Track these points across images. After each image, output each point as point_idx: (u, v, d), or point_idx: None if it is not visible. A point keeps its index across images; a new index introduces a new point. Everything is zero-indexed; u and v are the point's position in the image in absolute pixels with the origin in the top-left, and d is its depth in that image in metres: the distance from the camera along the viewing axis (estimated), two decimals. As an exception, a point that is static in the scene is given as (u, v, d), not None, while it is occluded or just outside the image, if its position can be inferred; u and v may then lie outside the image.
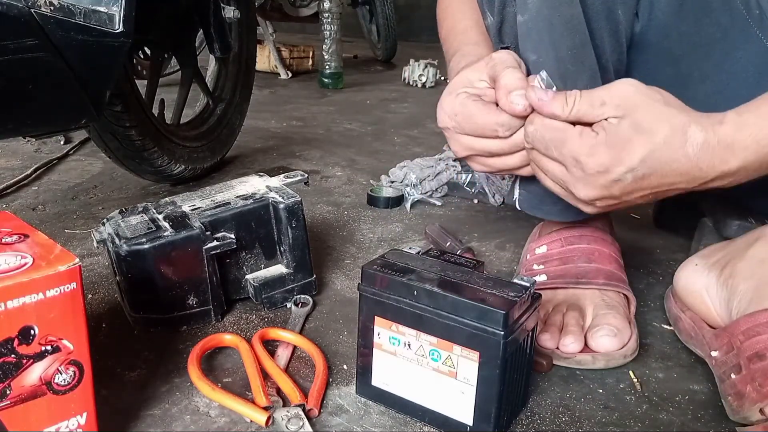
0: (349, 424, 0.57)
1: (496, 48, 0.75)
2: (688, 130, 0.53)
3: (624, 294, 0.74)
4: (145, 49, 1.29)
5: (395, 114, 2.12)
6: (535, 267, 0.78)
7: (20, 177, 1.23)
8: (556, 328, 0.68)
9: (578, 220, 0.78)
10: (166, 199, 0.79)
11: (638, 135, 0.53)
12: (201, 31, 1.19)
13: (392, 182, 1.23)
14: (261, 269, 0.77)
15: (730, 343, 0.61)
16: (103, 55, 0.75)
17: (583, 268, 0.75)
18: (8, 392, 0.44)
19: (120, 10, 0.73)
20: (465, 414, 0.54)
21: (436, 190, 1.21)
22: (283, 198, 0.74)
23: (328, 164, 1.45)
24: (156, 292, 0.69)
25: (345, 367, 0.66)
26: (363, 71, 3.27)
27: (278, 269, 0.77)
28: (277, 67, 2.88)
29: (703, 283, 0.70)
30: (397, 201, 1.16)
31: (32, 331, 0.44)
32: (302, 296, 0.77)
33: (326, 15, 2.61)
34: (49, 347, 0.45)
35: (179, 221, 0.71)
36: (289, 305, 0.76)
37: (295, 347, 0.68)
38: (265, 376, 0.62)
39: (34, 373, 0.45)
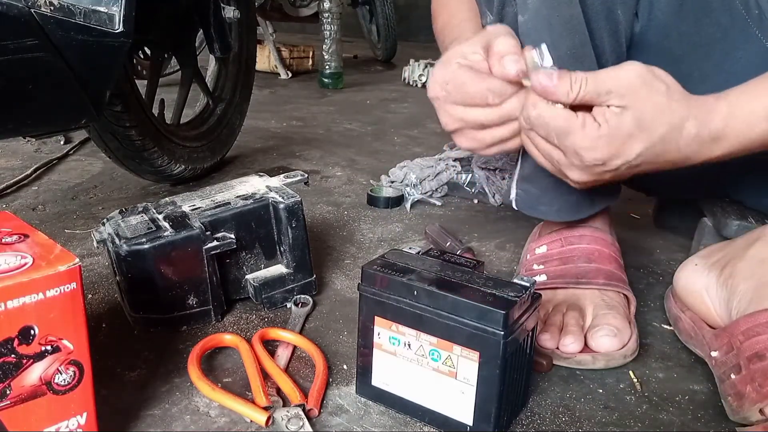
0: (349, 424, 0.57)
1: None
2: (685, 125, 0.55)
3: (624, 294, 0.74)
4: (145, 49, 1.29)
5: (395, 114, 2.12)
6: (535, 267, 0.78)
7: (20, 177, 1.23)
8: (556, 328, 0.68)
9: (575, 219, 0.78)
10: (166, 199, 0.79)
11: (639, 131, 0.54)
12: (201, 31, 1.19)
13: (392, 182, 1.23)
14: (261, 269, 0.77)
15: (730, 343, 0.61)
16: (103, 55, 0.75)
17: (583, 268, 0.75)
18: (8, 392, 0.44)
19: (120, 10, 0.73)
20: (465, 414, 0.54)
21: (436, 190, 1.21)
22: (283, 198, 0.74)
23: (328, 164, 1.45)
24: (156, 292, 0.69)
25: (345, 367, 0.66)
26: (363, 71, 3.27)
27: (278, 269, 0.77)
28: (277, 67, 2.88)
29: (703, 283, 0.70)
30: (397, 201, 1.16)
31: (32, 331, 0.44)
32: (302, 296, 0.77)
33: (326, 15, 2.61)
34: (49, 347, 0.45)
35: (179, 221, 0.71)
36: (289, 305, 0.76)
37: (295, 347, 0.68)
38: (265, 376, 0.62)
39: (34, 373, 0.45)
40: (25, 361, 0.44)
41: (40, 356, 0.45)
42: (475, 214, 1.14)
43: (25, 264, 0.44)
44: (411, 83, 2.78)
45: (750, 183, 0.84)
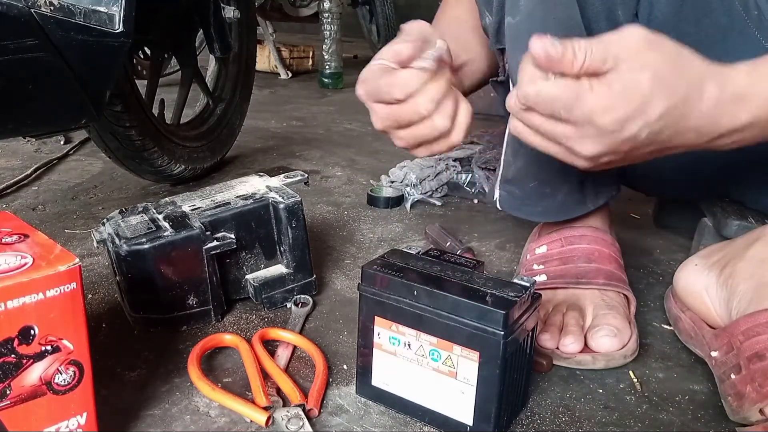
0: (349, 424, 0.57)
1: (493, 48, 0.75)
2: (705, 86, 0.51)
3: (624, 294, 0.74)
4: (145, 49, 1.29)
5: (395, 114, 2.12)
6: (535, 267, 0.78)
7: (20, 177, 1.23)
8: (556, 328, 0.68)
9: (560, 220, 0.78)
10: (166, 199, 0.79)
11: (658, 88, 0.49)
12: (201, 31, 1.19)
13: (392, 182, 1.23)
14: (261, 269, 0.77)
15: (730, 343, 0.61)
16: (103, 55, 0.75)
17: (583, 269, 0.75)
18: (8, 392, 0.44)
19: (120, 10, 0.73)
20: (465, 414, 0.54)
21: (436, 190, 1.21)
22: (283, 198, 0.74)
23: (328, 164, 1.45)
24: (156, 292, 0.69)
25: (345, 367, 0.66)
26: (363, 71, 3.27)
27: (278, 269, 0.77)
28: (277, 67, 2.88)
29: (703, 283, 0.70)
30: (397, 201, 1.16)
31: (32, 331, 0.44)
32: (302, 296, 0.77)
33: (326, 15, 2.61)
34: (49, 347, 0.45)
35: (179, 221, 0.71)
36: (289, 305, 0.76)
37: (295, 347, 0.68)
38: (265, 376, 0.62)
39: (34, 373, 0.45)
40: (25, 361, 0.44)
41: (40, 356, 0.45)
42: (475, 214, 1.14)
43: (25, 264, 0.44)
44: (411, 83, 2.78)
45: (750, 183, 0.84)
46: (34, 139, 1.49)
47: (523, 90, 0.52)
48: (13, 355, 0.44)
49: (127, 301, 0.72)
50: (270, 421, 0.56)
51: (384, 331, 0.57)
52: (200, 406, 0.59)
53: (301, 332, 0.72)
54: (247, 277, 0.76)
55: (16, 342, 0.44)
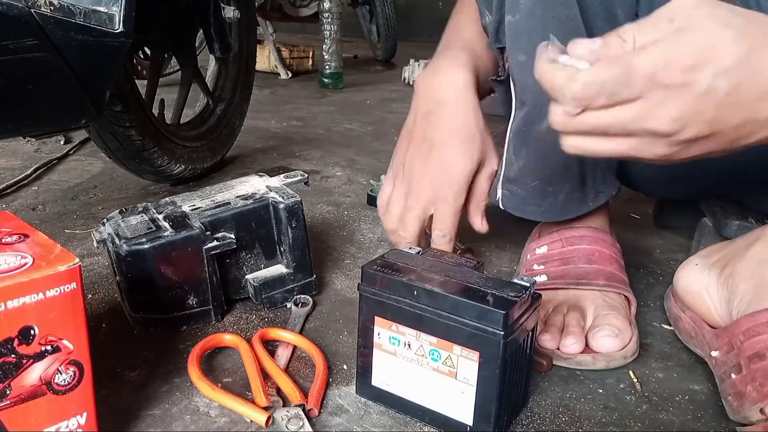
0: (349, 424, 0.57)
1: (492, 47, 0.75)
2: None
3: (625, 295, 0.74)
4: (145, 49, 1.29)
5: (395, 114, 2.12)
6: (536, 267, 0.78)
7: (20, 177, 1.23)
8: (556, 329, 0.68)
9: (560, 219, 0.78)
10: (166, 199, 0.79)
11: (727, 29, 0.43)
12: (201, 31, 1.19)
13: (392, 182, 1.23)
14: (261, 269, 0.77)
15: (731, 343, 0.61)
16: (103, 55, 0.75)
17: (583, 269, 0.75)
18: (8, 392, 0.44)
19: (120, 10, 0.73)
20: (465, 414, 0.54)
21: (436, 190, 1.21)
22: (283, 198, 0.74)
23: (328, 164, 1.45)
24: (156, 292, 0.69)
25: (345, 367, 0.66)
26: (363, 71, 3.27)
27: (278, 269, 0.77)
28: (277, 67, 2.88)
29: (703, 283, 0.70)
30: (397, 201, 1.16)
31: (32, 331, 0.44)
32: (302, 296, 0.77)
33: (326, 15, 2.61)
34: (49, 347, 0.45)
35: (179, 221, 0.71)
36: (289, 305, 0.76)
37: (295, 347, 0.68)
38: (265, 376, 0.62)
39: (34, 373, 0.45)
40: (25, 361, 0.44)
41: (40, 356, 0.45)
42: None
43: (25, 264, 0.44)
44: (411, 83, 2.78)
45: (750, 183, 0.84)
46: (34, 139, 1.49)
47: (568, 91, 0.45)
48: (13, 355, 0.44)
49: (127, 301, 0.72)
50: (270, 421, 0.56)
51: (384, 331, 0.57)
52: (200, 406, 0.59)
53: (301, 332, 0.72)
54: (247, 277, 0.76)
55: (16, 342, 0.44)
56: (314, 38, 3.05)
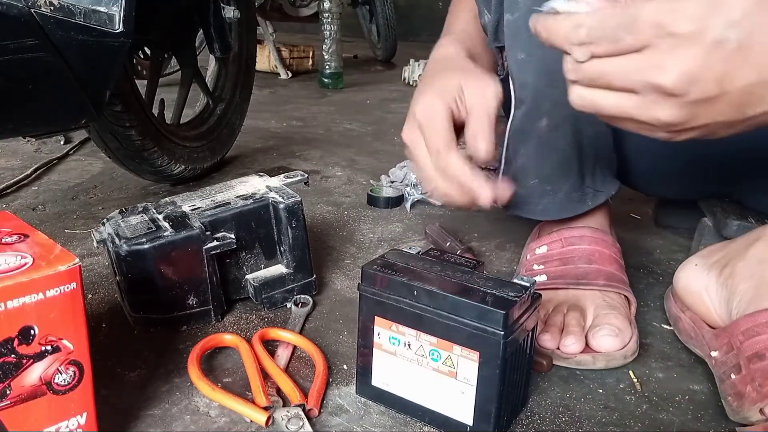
0: (349, 424, 0.57)
1: (491, 46, 0.75)
2: None
3: (624, 295, 0.74)
4: (145, 49, 1.29)
5: (395, 114, 2.12)
6: (536, 267, 0.78)
7: (20, 177, 1.23)
8: (556, 329, 0.68)
9: (560, 218, 0.78)
10: (166, 199, 0.79)
11: None
12: (201, 31, 1.19)
13: (392, 182, 1.23)
14: (261, 269, 0.77)
15: (730, 343, 0.61)
16: (103, 55, 0.75)
17: (583, 269, 0.75)
18: (8, 392, 0.44)
19: (120, 10, 0.73)
20: (465, 414, 0.54)
21: (436, 190, 1.21)
22: (283, 198, 0.74)
23: (328, 164, 1.45)
24: (156, 292, 0.69)
25: (345, 367, 0.66)
26: (363, 71, 3.27)
27: (278, 269, 0.77)
28: (277, 67, 2.88)
29: (703, 283, 0.70)
30: (397, 201, 1.16)
31: (32, 331, 0.44)
32: (302, 296, 0.77)
33: (326, 15, 2.61)
34: (49, 347, 0.45)
35: (179, 221, 0.71)
36: (289, 305, 0.76)
37: (295, 347, 0.68)
38: (265, 376, 0.62)
39: (34, 373, 0.45)
40: (25, 361, 0.44)
41: (40, 356, 0.45)
42: (475, 214, 1.14)
43: (25, 264, 0.44)
44: (411, 83, 2.78)
45: (750, 183, 0.84)
46: (34, 139, 1.49)
47: (575, 38, 0.44)
48: (13, 355, 0.44)
49: (127, 301, 0.72)
50: (270, 421, 0.56)
51: (384, 331, 0.57)
52: (200, 406, 0.59)
53: (301, 332, 0.72)
54: (247, 277, 0.76)
55: (16, 342, 0.44)
56: (314, 38, 3.05)
